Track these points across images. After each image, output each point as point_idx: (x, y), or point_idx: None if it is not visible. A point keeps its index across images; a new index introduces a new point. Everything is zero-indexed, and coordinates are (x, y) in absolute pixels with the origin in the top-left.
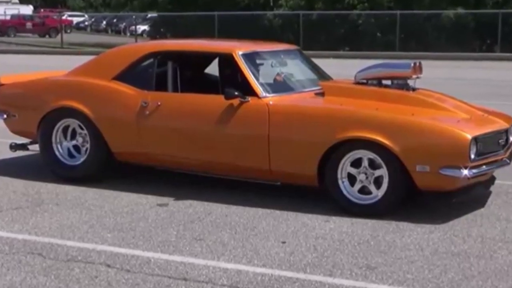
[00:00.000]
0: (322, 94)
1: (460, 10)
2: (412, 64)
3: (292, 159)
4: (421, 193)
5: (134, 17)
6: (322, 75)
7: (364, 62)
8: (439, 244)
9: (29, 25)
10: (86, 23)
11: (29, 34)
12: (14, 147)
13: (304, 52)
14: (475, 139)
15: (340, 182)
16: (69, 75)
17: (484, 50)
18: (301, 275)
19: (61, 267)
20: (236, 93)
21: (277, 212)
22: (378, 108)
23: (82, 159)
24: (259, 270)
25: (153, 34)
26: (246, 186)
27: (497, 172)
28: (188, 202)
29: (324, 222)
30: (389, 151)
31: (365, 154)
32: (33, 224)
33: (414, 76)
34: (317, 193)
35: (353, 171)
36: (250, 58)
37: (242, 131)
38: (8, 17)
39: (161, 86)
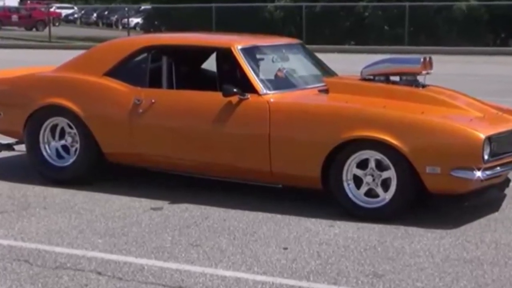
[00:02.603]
0: (326, 91)
1: (473, 2)
2: (422, 59)
3: (295, 160)
4: (431, 196)
5: (126, 9)
6: (326, 71)
7: (370, 57)
8: (450, 251)
9: (15, 17)
10: (76, 15)
11: (15, 27)
12: None
13: (307, 46)
14: (489, 139)
15: (345, 184)
16: (57, 71)
17: (498, 45)
18: (304, 283)
19: (49, 274)
20: (234, 90)
21: (279, 216)
22: (385, 106)
23: (71, 160)
24: (259, 278)
25: (147, 27)
26: (246, 189)
27: None
28: (183, 206)
29: (328, 227)
30: (397, 151)
31: (372, 155)
32: (19, 229)
33: (424, 72)
34: (321, 196)
35: (359, 172)
36: (250, 52)
37: (241, 130)
38: None
39: (155, 82)
